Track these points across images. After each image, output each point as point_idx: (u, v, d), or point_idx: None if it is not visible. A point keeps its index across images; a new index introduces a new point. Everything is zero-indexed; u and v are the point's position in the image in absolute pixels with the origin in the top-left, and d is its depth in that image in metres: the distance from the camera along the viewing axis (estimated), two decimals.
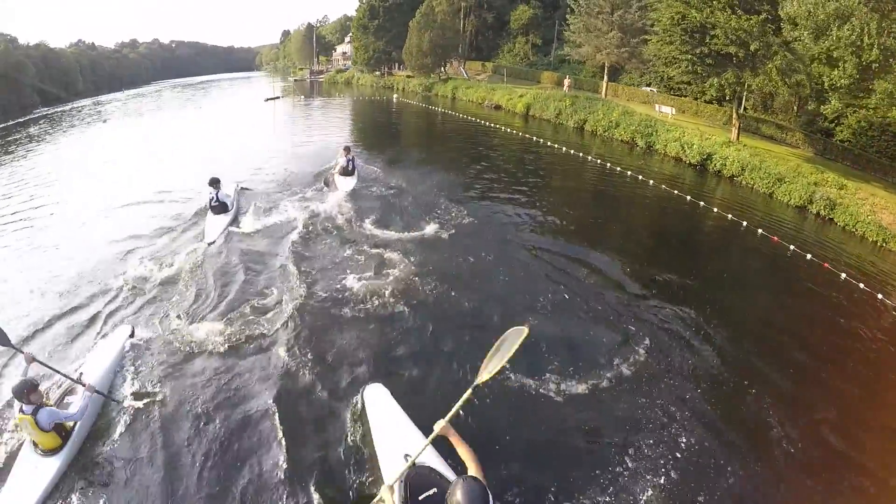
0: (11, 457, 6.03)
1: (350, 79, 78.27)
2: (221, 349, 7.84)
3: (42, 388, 6.10)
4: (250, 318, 8.61)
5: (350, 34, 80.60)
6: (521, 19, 57.37)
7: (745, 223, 15.40)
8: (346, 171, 16.92)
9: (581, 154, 23.34)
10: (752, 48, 20.98)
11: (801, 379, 8.26)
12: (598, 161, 22.08)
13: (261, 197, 15.33)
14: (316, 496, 5.52)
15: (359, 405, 6.65)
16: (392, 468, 5.28)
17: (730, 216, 15.95)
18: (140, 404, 6.78)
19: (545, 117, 34.15)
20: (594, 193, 18.86)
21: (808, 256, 13.42)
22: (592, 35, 35.90)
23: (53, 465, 5.86)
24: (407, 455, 4.99)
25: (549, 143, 25.20)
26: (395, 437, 5.85)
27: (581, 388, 7.29)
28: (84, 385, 6.37)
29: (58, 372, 6.55)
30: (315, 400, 6.93)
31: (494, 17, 61.95)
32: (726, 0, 21.52)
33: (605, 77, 38.15)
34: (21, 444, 6.10)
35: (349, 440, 6.25)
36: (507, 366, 4.75)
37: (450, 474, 5.13)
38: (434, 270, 10.44)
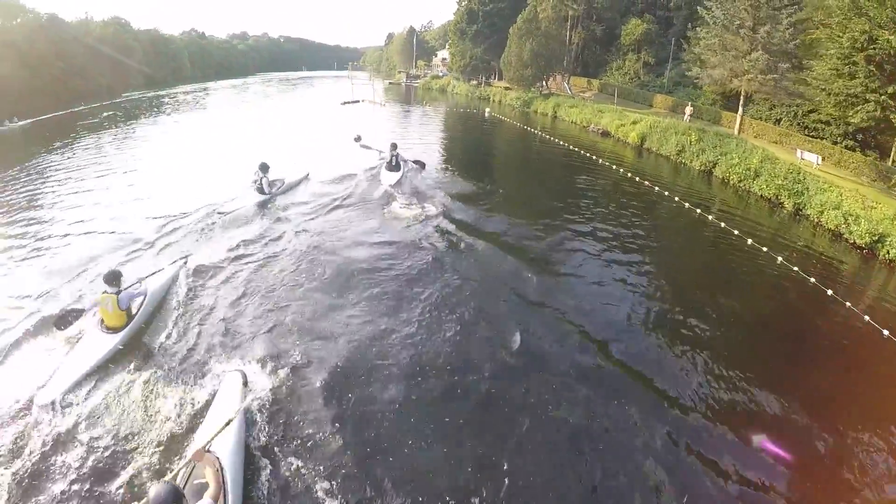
0: (79, 336, 8.26)
1: (445, 86, 75.22)
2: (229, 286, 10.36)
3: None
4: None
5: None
6: (633, 34, 51.30)
7: None
8: (391, 167, 18.59)
9: (710, 216, 17.52)
10: None
11: None
12: (745, 238, 15.87)
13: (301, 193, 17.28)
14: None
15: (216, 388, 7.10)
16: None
17: None
18: (181, 311, 9.33)
19: (663, 153, 28.25)
20: (721, 295, 12.07)
21: None
22: (730, 55, 29.39)
23: (113, 340, 8.04)
24: (209, 444, 5.30)
25: (668, 195, 19.64)
26: (214, 428, 5.84)
27: None
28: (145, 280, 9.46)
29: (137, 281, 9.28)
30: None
31: (604, 31, 56.10)
32: None
33: (740, 108, 31.48)
34: (81, 331, 8.39)
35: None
36: None
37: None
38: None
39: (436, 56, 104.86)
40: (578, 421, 7.23)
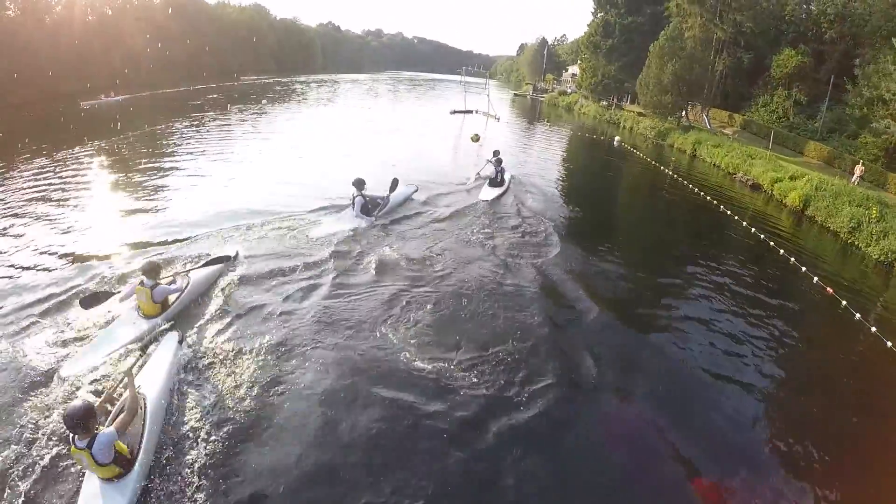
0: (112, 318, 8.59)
1: (572, 104, 71.38)
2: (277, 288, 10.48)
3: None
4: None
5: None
6: (786, 67, 44.10)
7: None
8: (492, 182, 18.61)
9: (874, 327, 12.28)
10: None
11: None
12: None
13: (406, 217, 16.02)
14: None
15: None
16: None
17: None
18: (221, 302, 9.58)
19: (830, 226, 21.59)
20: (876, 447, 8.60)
21: None
22: None
23: (150, 325, 8.31)
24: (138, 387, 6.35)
25: (823, 286, 14.60)
26: (146, 375, 6.87)
27: None
28: (187, 274, 9.56)
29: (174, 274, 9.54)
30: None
31: (751, 60, 48.46)
32: None
33: None
34: (115, 315, 8.68)
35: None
36: None
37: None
38: None
39: (566, 71, 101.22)
40: None
